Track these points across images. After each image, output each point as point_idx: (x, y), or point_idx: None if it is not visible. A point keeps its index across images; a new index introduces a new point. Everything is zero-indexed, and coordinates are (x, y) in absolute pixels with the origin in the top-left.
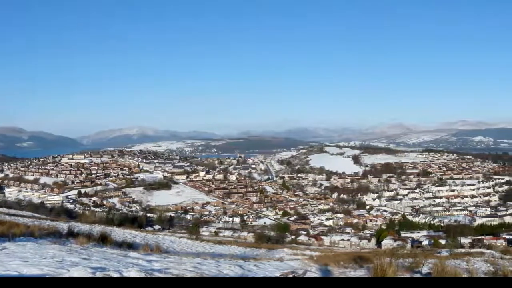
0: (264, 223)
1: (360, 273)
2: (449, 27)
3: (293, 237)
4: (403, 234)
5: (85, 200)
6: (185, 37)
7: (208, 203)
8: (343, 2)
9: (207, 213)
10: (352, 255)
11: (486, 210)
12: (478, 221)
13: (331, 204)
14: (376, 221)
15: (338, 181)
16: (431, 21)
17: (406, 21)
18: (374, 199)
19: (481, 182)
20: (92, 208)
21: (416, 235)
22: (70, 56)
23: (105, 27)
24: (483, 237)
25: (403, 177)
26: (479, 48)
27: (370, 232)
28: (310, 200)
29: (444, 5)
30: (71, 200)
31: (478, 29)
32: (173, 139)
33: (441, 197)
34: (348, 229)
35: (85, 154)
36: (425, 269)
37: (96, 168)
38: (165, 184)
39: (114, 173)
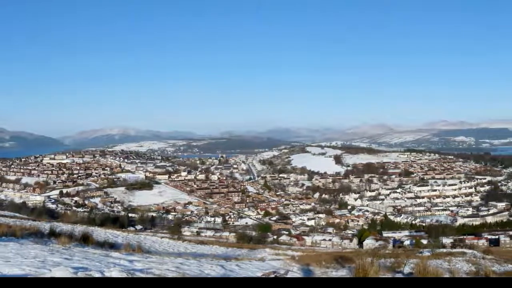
0: (246, 223)
1: (342, 273)
2: (429, 27)
3: (275, 237)
4: (385, 234)
5: (67, 200)
6: (166, 36)
7: (190, 203)
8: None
9: (189, 213)
10: (334, 255)
11: (467, 210)
12: (460, 221)
13: (312, 204)
14: (358, 221)
15: (320, 181)
16: (411, 21)
17: (387, 20)
18: (355, 199)
19: (463, 182)
20: (74, 208)
21: (397, 235)
22: (52, 56)
23: (86, 26)
24: (464, 237)
25: (385, 177)
26: (460, 48)
27: (352, 232)
28: (292, 200)
29: (425, 5)
30: (53, 200)
31: (460, 29)
32: (155, 139)
33: (422, 197)
34: (330, 229)
35: (67, 154)
36: (406, 269)
37: (78, 168)
38: (147, 184)
39: (96, 173)
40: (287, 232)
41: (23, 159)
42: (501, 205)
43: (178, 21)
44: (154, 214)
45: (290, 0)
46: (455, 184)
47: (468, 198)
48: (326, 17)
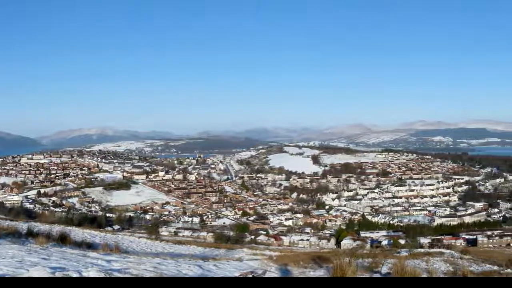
0: (224, 223)
1: (319, 273)
2: (405, 28)
3: (253, 237)
4: (363, 234)
5: (44, 200)
6: (143, 38)
7: (167, 203)
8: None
9: (167, 213)
10: (311, 255)
11: (445, 210)
12: (438, 221)
13: (290, 204)
14: (336, 221)
15: (297, 181)
16: (385, 22)
17: (361, 21)
18: (333, 199)
19: (441, 182)
20: (52, 208)
21: (375, 235)
22: (28, 55)
23: (64, 25)
24: (442, 237)
25: (363, 177)
26: (438, 48)
27: (330, 232)
28: (269, 200)
29: (402, 5)
30: (31, 200)
31: (436, 29)
32: (132, 139)
33: (400, 197)
34: (308, 229)
35: (45, 154)
36: (384, 269)
37: (56, 168)
38: (125, 184)
39: (74, 173)
40: (264, 232)
41: (0, 159)
42: (479, 205)
43: (156, 22)
44: (131, 214)
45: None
46: (432, 184)
47: (446, 198)
48: (302, 17)
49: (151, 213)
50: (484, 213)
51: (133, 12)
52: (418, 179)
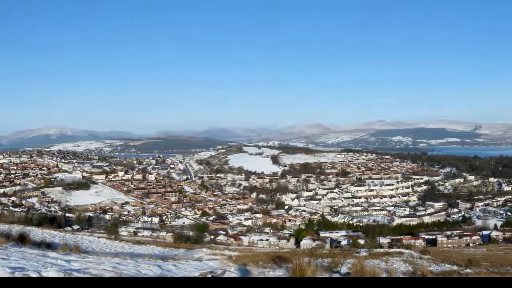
0: (183, 223)
1: (279, 273)
2: (364, 27)
3: (212, 237)
4: (322, 234)
5: (3, 200)
6: (101, 36)
7: (127, 203)
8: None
9: (126, 213)
10: (271, 255)
11: (405, 210)
12: (397, 221)
13: (250, 204)
14: (295, 221)
15: (257, 181)
16: (340, 20)
17: (323, 22)
18: (293, 199)
19: (400, 182)
20: (11, 208)
21: (335, 235)
22: None
23: (27, 26)
24: (402, 237)
25: (322, 177)
26: (397, 48)
27: (289, 232)
28: (229, 200)
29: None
30: None
31: (395, 29)
32: (92, 139)
33: (360, 197)
34: (267, 229)
35: (4, 154)
36: (344, 269)
37: (15, 168)
38: (84, 184)
39: (33, 173)
40: (224, 232)
41: None
42: (438, 205)
43: (112, 21)
44: (91, 214)
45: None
46: (392, 184)
47: (405, 198)
48: (248, 17)
49: (111, 213)
50: (443, 213)
51: (87, 11)
52: (377, 179)
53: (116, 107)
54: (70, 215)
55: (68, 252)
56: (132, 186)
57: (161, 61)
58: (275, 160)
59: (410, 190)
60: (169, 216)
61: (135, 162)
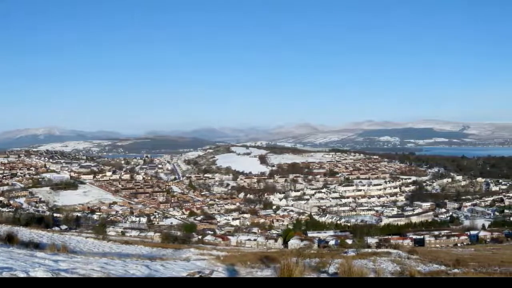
0: (171, 223)
1: (266, 273)
2: (350, 27)
3: (200, 237)
4: (310, 234)
5: None
6: (89, 37)
7: (114, 203)
8: None
9: (114, 213)
10: (258, 255)
11: (392, 210)
12: (385, 221)
13: (237, 204)
14: (283, 221)
15: (244, 181)
16: (328, 20)
17: (310, 22)
18: (280, 199)
19: (388, 182)
20: None
21: (322, 235)
22: None
23: (14, 26)
24: (389, 237)
25: (310, 177)
26: (384, 48)
27: (277, 232)
28: (216, 200)
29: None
30: None
31: (383, 30)
32: (79, 139)
33: (347, 197)
34: (255, 229)
35: None
36: (331, 269)
37: (3, 168)
38: (72, 184)
39: (21, 173)
40: (212, 232)
41: None
42: (426, 205)
43: (103, 22)
44: (79, 214)
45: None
46: (380, 184)
47: (393, 198)
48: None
49: (99, 213)
50: (431, 213)
51: (77, 11)
52: (365, 179)
53: (104, 107)
54: (58, 215)
55: (56, 252)
56: (120, 186)
57: (150, 62)
58: (263, 160)
59: (398, 190)
60: (157, 216)
61: (123, 162)
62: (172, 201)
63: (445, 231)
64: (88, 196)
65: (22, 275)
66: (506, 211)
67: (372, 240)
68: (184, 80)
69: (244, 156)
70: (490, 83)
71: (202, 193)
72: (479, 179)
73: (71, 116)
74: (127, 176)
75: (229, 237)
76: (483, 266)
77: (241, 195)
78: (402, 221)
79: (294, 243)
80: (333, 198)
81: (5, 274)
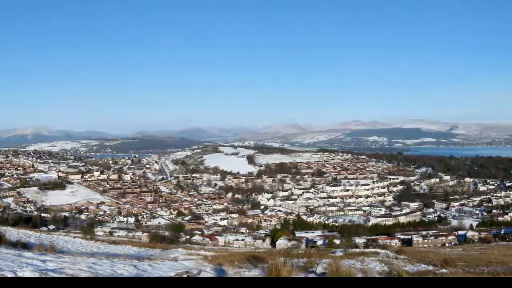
0: (159, 223)
1: (254, 273)
2: (338, 26)
3: (188, 237)
4: (298, 234)
5: None
6: (77, 36)
7: (102, 203)
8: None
9: (102, 213)
10: (246, 255)
11: (380, 210)
12: (373, 221)
13: (225, 204)
14: (271, 221)
15: (232, 181)
16: (315, 19)
17: (296, 20)
18: (268, 199)
19: (376, 182)
20: None
21: (310, 235)
22: None
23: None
24: (377, 237)
25: (298, 177)
26: (372, 47)
27: (265, 232)
28: (204, 200)
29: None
30: None
31: (371, 28)
32: (67, 139)
33: (335, 197)
34: (243, 229)
35: None
36: (319, 269)
37: None
38: (60, 184)
39: (9, 173)
40: (200, 232)
41: None
42: (414, 205)
43: (90, 22)
44: (67, 214)
45: None
46: (368, 184)
47: (381, 198)
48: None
49: (86, 213)
50: (419, 213)
51: (64, 10)
52: (353, 179)
53: (92, 107)
54: (45, 215)
55: (44, 252)
56: (108, 186)
57: (138, 62)
58: (250, 160)
59: (385, 190)
60: (145, 216)
61: (110, 162)
62: (160, 201)
63: (433, 231)
64: (76, 196)
65: (9, 275)
66: (493, 211)
67: (360, 240)
68: (172, 80)
69: (232, 156)
70: (478, 83)
71: (190, 193)
72: (467, 179)
73: (59, 116)
74: (115, 176)
75: (217, 237)
76: (471, 266)
77: (229, 195)
78: (390, 221)
79: (282, 243)
80: (321, 198)
81: None
